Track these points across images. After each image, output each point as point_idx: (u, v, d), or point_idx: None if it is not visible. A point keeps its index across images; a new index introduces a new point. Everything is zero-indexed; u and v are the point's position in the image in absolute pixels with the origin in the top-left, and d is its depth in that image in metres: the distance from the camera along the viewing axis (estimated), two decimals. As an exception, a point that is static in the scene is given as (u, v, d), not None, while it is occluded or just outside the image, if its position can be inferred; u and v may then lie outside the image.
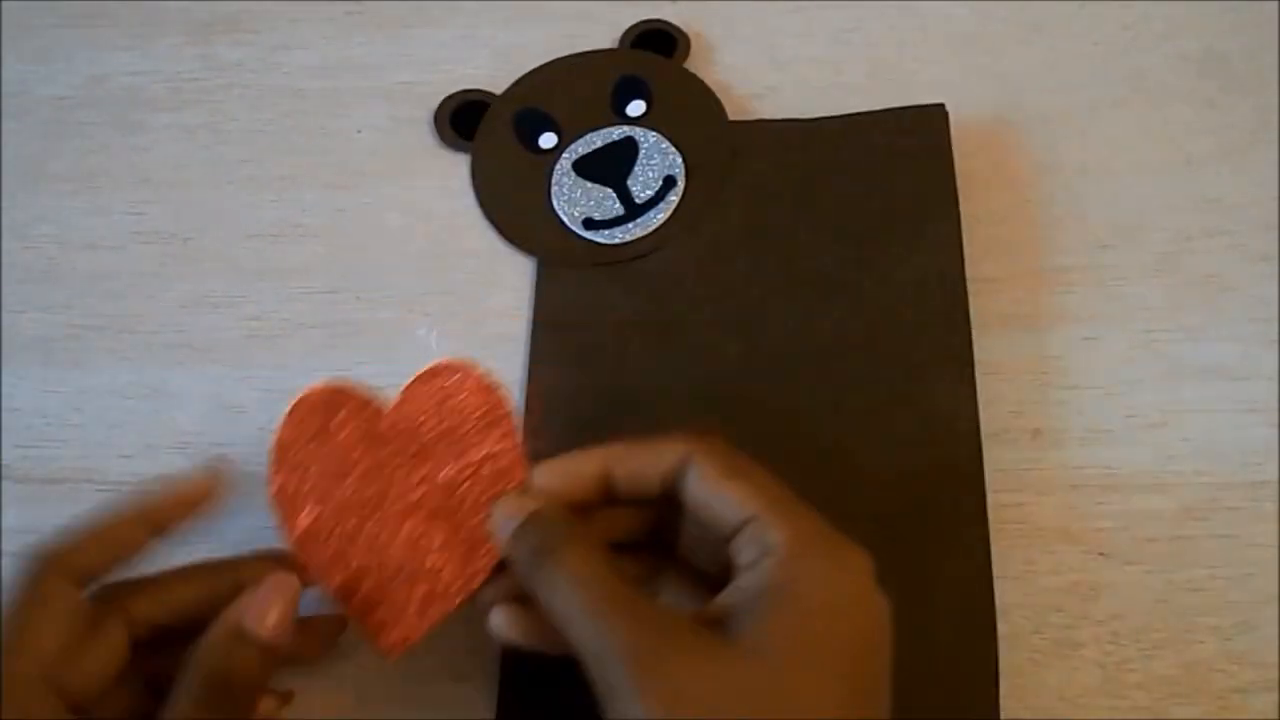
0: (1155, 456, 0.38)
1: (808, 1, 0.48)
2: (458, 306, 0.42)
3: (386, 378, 0.40)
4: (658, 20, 0.46)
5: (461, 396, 0.32)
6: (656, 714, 0.24)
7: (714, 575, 0.29)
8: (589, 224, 0.42)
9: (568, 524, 0.29)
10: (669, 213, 0.42)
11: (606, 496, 0.30)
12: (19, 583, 0.28)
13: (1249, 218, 0.42)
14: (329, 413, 0.32)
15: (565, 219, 0.42)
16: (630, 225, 0.42)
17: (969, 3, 0.47)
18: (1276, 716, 0.35)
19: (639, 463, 0.30)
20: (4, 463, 0.39)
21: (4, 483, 0.39)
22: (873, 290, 0.40)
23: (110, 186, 0.44)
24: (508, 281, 0.42)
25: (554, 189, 0.43)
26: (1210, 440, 0.38)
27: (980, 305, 0.41)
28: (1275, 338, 0.40)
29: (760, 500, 0.28)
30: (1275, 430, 0.38)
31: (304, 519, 0.31)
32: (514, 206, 0.43)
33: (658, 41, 0.46)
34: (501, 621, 0.30)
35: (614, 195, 0.43)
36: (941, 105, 0.43)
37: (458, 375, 0.32)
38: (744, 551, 0.28)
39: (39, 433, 0.40)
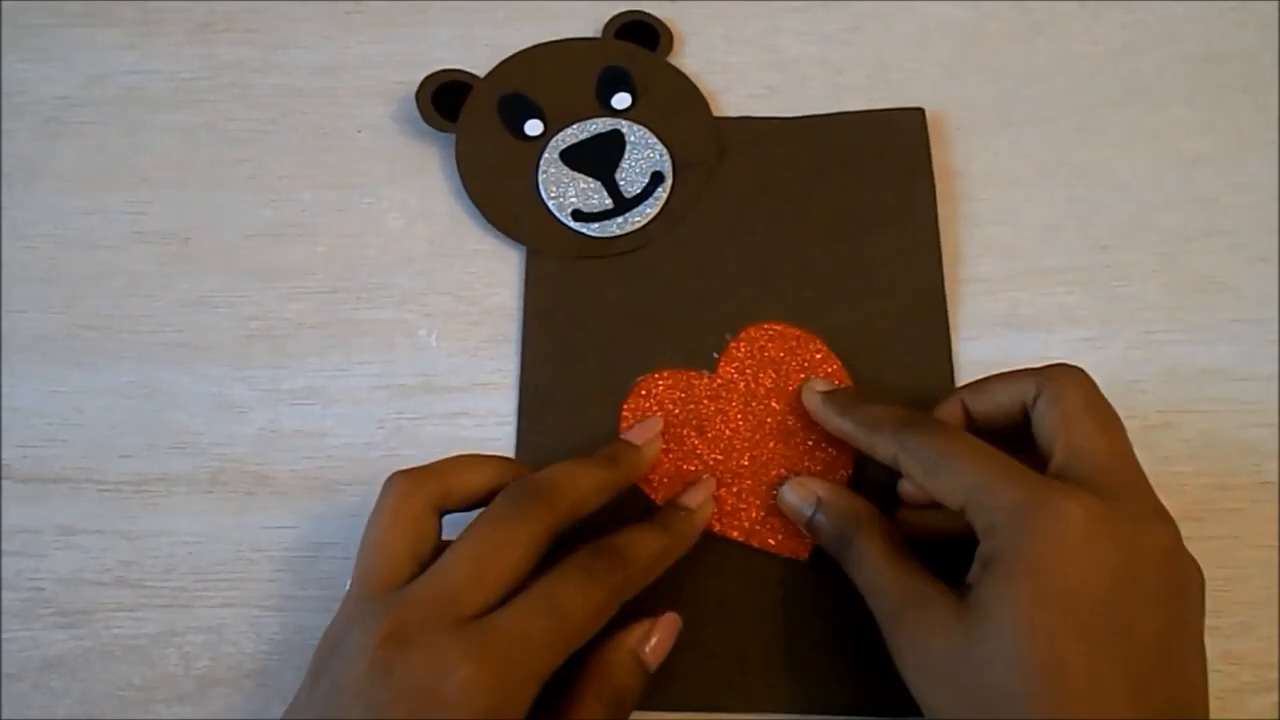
0: (1155, 457, 0.38)
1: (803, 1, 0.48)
2: (457, 306, 0.42)
3: (386, 378, 0.41)
4: (640, 12, 0.46)
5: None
6: (905, 671, 0.30)
7: None
8: (577, 216, 0.42)
9: (854, 513, 0.34)
10: (657, 208, 0.42)
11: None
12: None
13: (1248, 218, 0.42)
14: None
15: (553, 208, 0.42)
16: (619, 219, 0.42)
17: (969, 3, 0.47)
18: (1276, 717, 0.35)
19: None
20: (4, 463, 0.39)
21: (4, 483, 0.39)
22: (854, 291, 0.41)
23: (110, 186, 0.44)
24: (507, 281, 0.42)
25: (541, 177, 0.43)
26: (1210, 441, 0.38)
27: (980, 306, 0.41)
28: (1275, 338, 0.40)
29: (980, 469, 0.30)
30: (1275, 430, 0.39)
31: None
32: (501, 191, 0.43)
33: (639, 35, 0.46)
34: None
35: (602, 188, 0.43)
36: (920, 109, 0.44)
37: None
38: (976, 519, 0.30)
39: (39, 433, 0.40)
